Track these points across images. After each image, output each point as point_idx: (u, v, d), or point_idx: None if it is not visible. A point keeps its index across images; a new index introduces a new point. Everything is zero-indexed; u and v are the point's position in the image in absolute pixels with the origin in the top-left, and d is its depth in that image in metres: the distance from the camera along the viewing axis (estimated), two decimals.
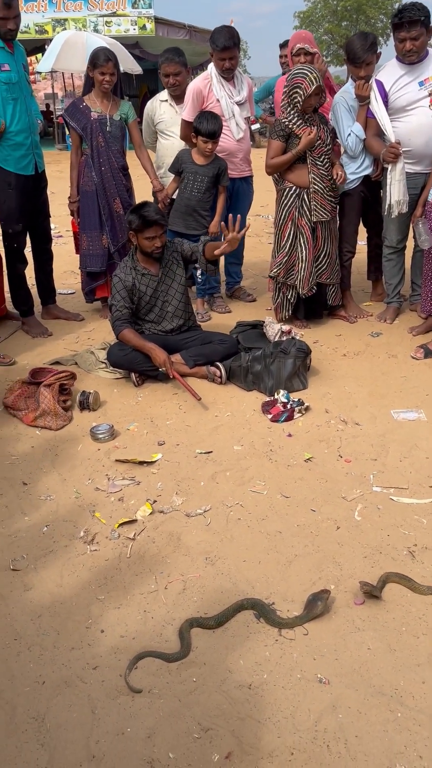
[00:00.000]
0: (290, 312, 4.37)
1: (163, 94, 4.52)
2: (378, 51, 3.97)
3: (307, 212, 4.08)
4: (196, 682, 1.85)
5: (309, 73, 3.80)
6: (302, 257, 4.14)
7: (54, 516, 2.60)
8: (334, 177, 4.04)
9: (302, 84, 3.81)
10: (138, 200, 4.56)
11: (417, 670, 1.85)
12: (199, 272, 4.01)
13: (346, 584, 2.18)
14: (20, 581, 2.25)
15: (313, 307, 4.44)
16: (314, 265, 4.18)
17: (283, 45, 4.73)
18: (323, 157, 4.01)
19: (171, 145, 4.48)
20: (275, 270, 4.23)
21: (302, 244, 4.13)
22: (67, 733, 1.71)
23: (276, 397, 3.39)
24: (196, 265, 3.76)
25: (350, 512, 2.55)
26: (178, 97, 4.45)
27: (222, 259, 4.94)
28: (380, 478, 2.77)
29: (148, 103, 4.63)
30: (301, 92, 3.82)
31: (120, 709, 1.78)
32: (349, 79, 4.11)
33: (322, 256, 4.19)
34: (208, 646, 1.97)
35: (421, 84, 3.78)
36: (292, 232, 4.13)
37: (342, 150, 4.18)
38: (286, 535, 2.44)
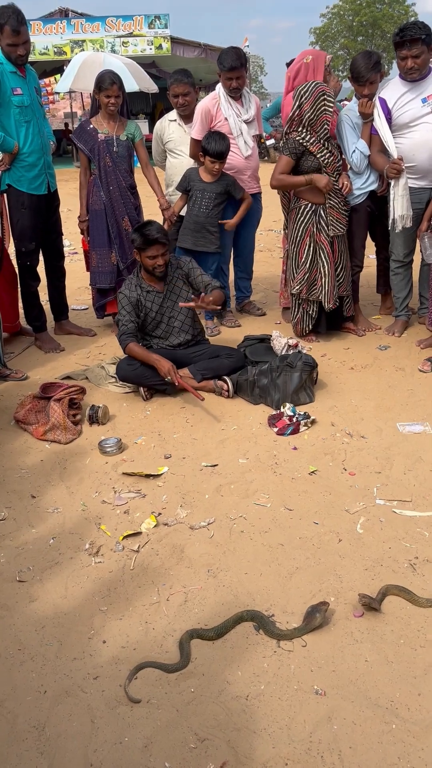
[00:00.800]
0: (311, 327, 4.40)
1: (172, 114, 4.61)
2: (382, 70, 4.03)
3: (325, 227, 4.13)
4: (194, 692, 1.87)
5: (320, 83, 3.92)
6: (324, 272, 4.18)
7: (61, 528, 2.64)
8: (341, 186, 4.08)
9: (326, 90, 3.90)
10: (147, 218, 4.67)
11: (413, 683, 1.85)
12: None
13: (346, 596, 2.20)
14: (26, 592, 2.30)
15: (333, 319, 4.47)
16: (335, 279, 4.23)
17: (290, 63, 4.80)
18: (335, 173, 4.07)
19: (180, 163, 4.57)
20: (297, 287, 4.25)
21: (323, 259, 4.17)
22: (66, 742, 1.75)
23: (282, 410, 3.42)
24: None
25: (353, 525, 2.57)
26: (186, 117, 4.53)
27: (231, 274, 5.03)
28: (384, 491, 2.78)
29: (158, 123, 4.73)
30: (329, 97, 3.89)
31: (119, 718, 1.81)
32: (354, 96, 4.17)
33: (340, 268, 4.25)
34: (207, 657, 1.99)
35: (424, 101, 3.82)
36: (311, 248, 4.18)
37: (348, 166, 4.23)
38: (288, 547, 2.46)
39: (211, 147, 4.15)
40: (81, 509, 2.76)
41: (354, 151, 4.09)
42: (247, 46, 18.63)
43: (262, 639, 2.04)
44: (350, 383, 3.82)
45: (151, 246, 3.54)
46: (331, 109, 3.90)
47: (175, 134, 4.55)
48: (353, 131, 4.12)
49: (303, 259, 4.20)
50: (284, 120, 4.32)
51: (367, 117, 4.03)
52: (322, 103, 3.89)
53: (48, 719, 1.82)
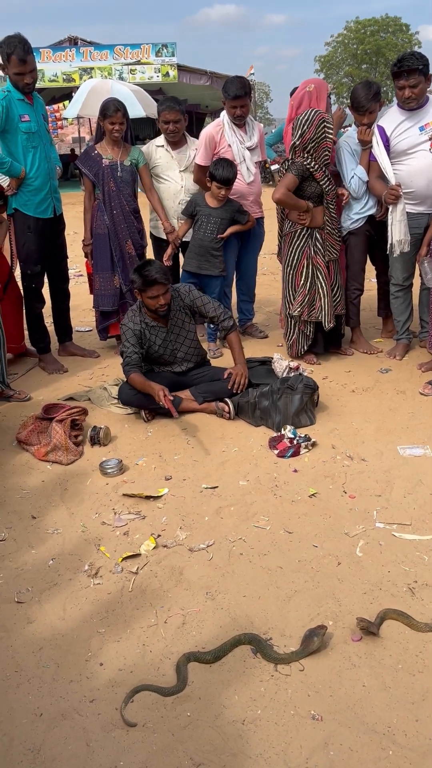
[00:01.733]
0: (306, 348, 4.44)
1: (160, 140, 4.66)
2: (381, 100, 4.13)
3: (321, 250, 4.21)
4: (191, 716, 1.86)
5: (320, 111, 4.02)
6: (322, 293, 4.25)
7: (60, 549, 2.65)
8: (339, 195, 4.20)
9: (326, 118, 3.99)
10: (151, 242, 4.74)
11: (411, 708, 1.84)
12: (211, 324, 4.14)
13: (345, 620, 2.19)
14: (24, 613, 2.30)
15: (331, 339, 4.52)
16: (332, 298, 4.30)
17: (293, 92, 4.89)
18: (333, 200, 4.18)
19: (166, 188, 4.62)
20: (298, 309, 4.29)
21: (321, 280, 4.25)
22: (61, 766, 1.74)
23: (283, 432, 3.43)
24: (211, 325, 3.85)
25: (352, 548, 2.56)
26: (174, 143, 4.60)
27: (234, 297, 5.08)
28: (383, 514, 2.78)
29: (144, 148, 4.73)
30: (329, 124, 3.98)
31: (114, 742, 1.80)
32: (353, 124, 4.26)
33: (336, 288, 4.33)
34: (204, 681, 1.98)
35: (421, 129, 3.90)
36: (309, 271, 4.25)
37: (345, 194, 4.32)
38: (287, 570, 2.45)
39: (219, 173, 4.23)
40: (81, 530, 2.77)
41: (353, 176, 4.18)
42: (253, 74, 18.97)
43: (260, 663, 2.03)
44: (351, 406, 3.83)
45: (152, 287, 3.51)
46: (331, 136, 3.98)
47: (162, 159, 4.61)
48: (352, 157, 4.22)
49: (301, 282, 4.27)
50: (287, 147, 4.40)
51: (366, 144, 4.12)
52: (323, 130, 3.98)
53: (43, 742, 1.81)
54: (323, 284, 4.24)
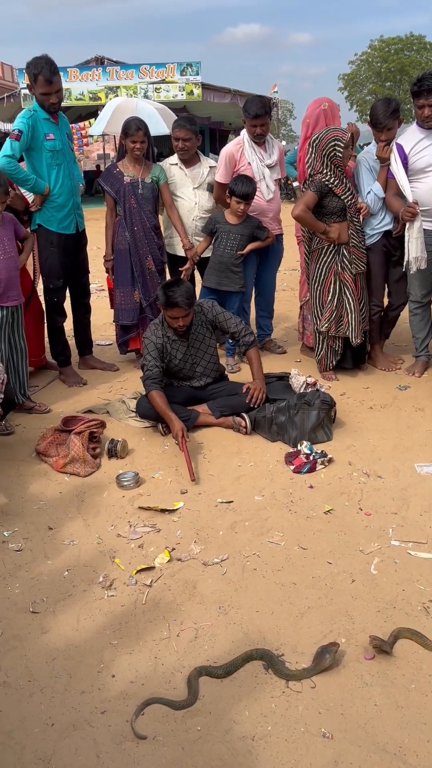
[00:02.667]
0: (334, 363, 4.46)
1: (173, 158, 4.72)
2: (400, 117, 4.15)
3: (348, 265, 4.23)
4: (201, 731, 1.86)
5: (338, 128, 4.08)
6: (350, 308, 4.27)
7: (76, 561, 2.67)
8: (359, 207, 4.20)
9: (338, 135, 4.02)
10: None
11: (423, 729, 1.82)
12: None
13: (358, 638, 2.18)
14: (38, 624, 2.32)
15: (358, 354, 4.54)
16: (360, 314, 4.32)
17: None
18: (357, 213, 4.21)
19: (180, 206, 4.66)
20: (326, 325, 4.31)
21: (348, 296, 4.26)
22: None
23: (299, 448, 3.43)
24: (230, 340, 3.88)
25: (366, 565, 2.55)
26: (186, 161, 4.65)
27: (252, 312, 5.10)
28: (399, 532, 2.76)
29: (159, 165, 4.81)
30: (341, 142, 4.00)
31: (124, 754, 1.80)
32: (372, 140, 4.28)
33: (362, 303, 4.35)
34: (215, 695, 1.98)
35: None
36: (336, 286, 4.27)
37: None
38: (300, 586, 2.45)
39: (238, 188, 4.29)
40: (96, 542, 2.79)
41: (369, 192, 4.19)
42: (276, 92, 19.15)
43: (271, 678, 2.03)
44: (369, 422, 3.82)
45: (173, 308, 3.55)
46: (341, 154, 4.01)
47: (175, 177, 4.66)
48: (369, 174, 4.24)
49: (329, 298, 4.29)
50: (301, 167, 4.45)
51: (384, 161, 4.14)
52: (332, 148, 4.02)
53: (54, 752, 1.82)
54: (350, 299, 4.26)
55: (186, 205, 4.64)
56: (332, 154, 4.04)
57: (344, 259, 4.22)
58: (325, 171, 4.08)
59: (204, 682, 2.03)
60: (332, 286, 4.27)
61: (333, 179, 4.08)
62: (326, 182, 4.08)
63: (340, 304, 4.28)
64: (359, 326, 4.29)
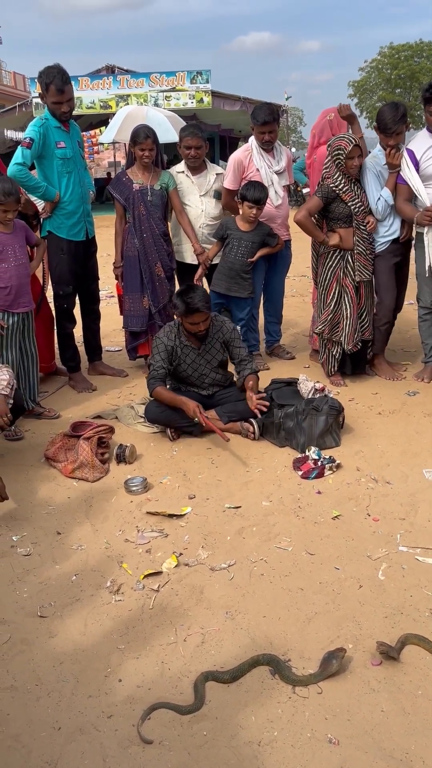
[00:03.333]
0: (335, 368, 4.49)
1: (180, 166, 4.73)
2: (408, 121, 4.14)
3: (351, 272, 4.25)
4: (207, 736, 1.86)
5: (346, 136, 4.10)
6: (347, 314, 4.31)
7: (83, 565, 2.68)
8: (368, 224, 4.20)
9: (342, 145, 4.07)
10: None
11: (430, 735, 1.81)
12: None
13: (365, 644, 2.17)
14: (46, 628, 2.33)
15: (357, 362, 4.54)
16: (358, 322, 4.31)
17: (325, 113, 4.96)
18: (363, 221, 4.20)
19: (188, 213, 4.67)
20: (320, 327, 4.40)
21: (347, 303, 4.30)
22: None
23: (307, 453, 3.43)
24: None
25: (374, 571, 2.54)
26: (195, 169, 4.67)
27: (261, 318, 5.12)
28: (407, 538, 2.75)
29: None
30: (342, 152, 4.06)
31: (130, 759, 1.81)
32: (377, 145, 4.27)
33: (364, 313, 4.34)
34: (221, 700, 1.98)
35: None
36: (337, 292, 4.31)
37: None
38: (307, 592, 2.45)
39: (250, 193, 4.31)
40: (104, 547, 2.80)
41: (378, 199, 4.17)
42: (287, 98, 19.22)
43: (278, 684, 2.03)
44: (377, 428, 3.81)
45: (193, 314, 3.57)
46: (342, 162, 4.08)
47: (182, 185, 4.68)
48: (377, 180, 4.20)
49: (329, 302, 4.34)
50: (313, 175, 4.48)
51: (394, 167, 4.13)
52: (336, 156, 4.11)
53: (61, 756, 1.83)
54: (348, 306, 4.29)
55: (193, 212, 4.67)
56: (337, 161, 4.08)
57: (348, 266, 4.26)
58: (336, 176, 4.12)
59: (210, 687, 2.03)
60: (334, 292, 4.32)
61: (342, 185, 4.11)
62: (334, 188, 4.12)
63: (338, 310, 4.33)
64: (354, 334, 4.31)
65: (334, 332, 4.36)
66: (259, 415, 3.65)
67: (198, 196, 4.66)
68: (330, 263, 4.31)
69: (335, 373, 4.50)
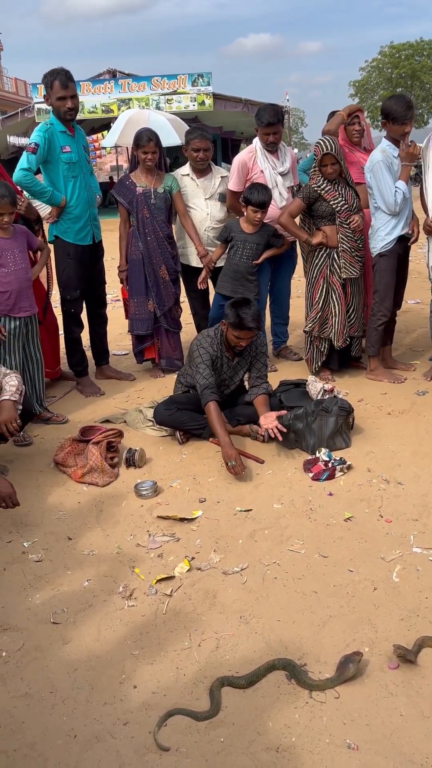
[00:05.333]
0: (320, 364, 4.53)
1: (185, 169, 4.74)
2: (414, 111, 4.13)
3: (338, 269, 4.29)
4: (224, 742, 1.85)
5: (322, 142, 4.16)
6: (335, 311, 4.35)
7: (95, 571, 2.67)
8: (350, 222, 4.23)
9: (315, 151, 4.22)
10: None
11: None
12: None
13: (381, 647, 2.15)
14: (59, 634, 2.32)
15: (344, 358, 4.60)
16: (346, 319, 4.37)
17: (332, 114, 4.95)
18: (346, 219, 4.24)
19: (192, 216, 4.67)
20: (310, 325, 4.44)
21: (335, 300, 4.35)
22: None
23: (317, 455, 3.41)
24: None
25: (388, 573, 2.52)
26: (201, 171, 4.66)
27: (268, 320, 5.10)
28: (421, 539, 2.73)
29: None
30: (315, 157, 4.20)
31: (147, 766, 1.79)
32: (383, 139, 4.24)
33: (351, 310, 4.39)
34: (237, 706, 1.97)
35: None
36: (324, 289, 4.36)
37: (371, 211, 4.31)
38: (321, 595, 2.43)
39: (254, 197, 4.29)
40: (116, 552, 2.79)
41: (396, 191, 4.10)
42: (288, 99, 19.22)
43: (294, 689, 2.01)
44: (387, 429, 3.79)
45: (243, 330, 3.54)
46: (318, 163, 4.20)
47: (187, 188, 4.67)
48: (389, 173, 4.12)
49: (316, 299, 4.40)
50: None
51: (412, 159, 4.11)
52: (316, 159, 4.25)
53: (77, 764, 1.81)
54: (336, 303, 4.34)
55: (198, 215, 4.66)
56: (318, 162, 4.20)
57: (334, 264, 4.31)
58: (318, 177, 4.22)
59: (226, 693, 2.01)
60: (321, 289, 4.36)
61: (324, 185, 4.20)
62: (316, 188, 4.21)
63: (326, 307, 4.37)
64: (343, 330, 4.36)
65: (323, 329, 4.41)
66: (280, 437, 3.50)
67: (203, 199, 4.66)
68: (317, 261, 4.37)
69: (322, 369, 4.51)
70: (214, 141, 4.81)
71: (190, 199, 4.67)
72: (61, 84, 4.08)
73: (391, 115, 4.10)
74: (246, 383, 3.94)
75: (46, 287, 4.61)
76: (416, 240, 4.25)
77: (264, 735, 1.86)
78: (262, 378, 3.78)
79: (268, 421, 3.55)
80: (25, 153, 4.09)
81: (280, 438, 3.49)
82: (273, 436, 3.49)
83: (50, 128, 4.14)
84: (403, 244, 4.29)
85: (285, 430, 3.49)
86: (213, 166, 4.76)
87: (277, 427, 3.47)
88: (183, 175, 4.69)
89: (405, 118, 4.07)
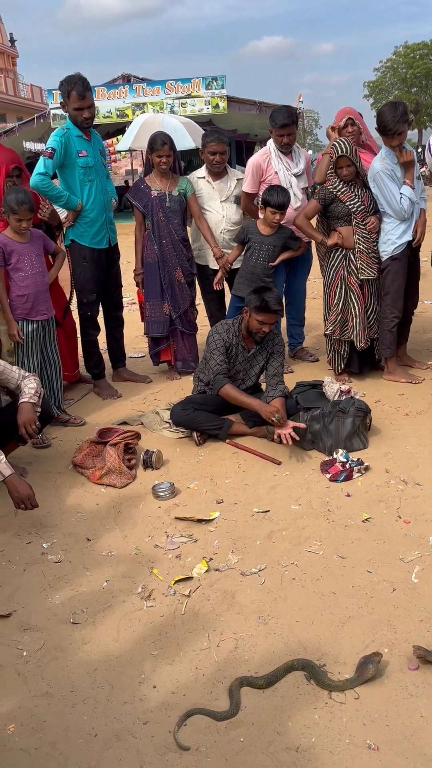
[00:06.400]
0: (342, 366, 4.49)
1: (201, 171, 4.75)
2: (409, 119, 4.08)
3: (355, 271, 4.27)
4: (244, 742, 1.85)
5: (337, 144, 4.14)
6: (355, 313, 4.32)
7: (114, 571, 2.69)
8: (367, 223, 4.21)
9: (330, 153, 4.19)
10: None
11: None
12: None
13: (401, 648, 2.14)
14: (79, 634, 2.33)
15: (365, 360, 4.55)
16: (366, 320, 4.34)
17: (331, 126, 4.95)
18: (363, 220, 4.23)
19: (208, 219, 4.68)
20: (330, 328, 4.41)
21: (354, 301, 4.32)
22: None
23: (335, 456, 3.40)
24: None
25: (407, 574, 2.51)
26: (217, 174, 4.68)
27: (284, 321, 5.10)
28: None
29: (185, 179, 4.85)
30: (330, 159, 4.17)
31: (167, 765, 1.80)
32: (383, 147, 4.22)
33: (370, 311, 4.36)
34: (257, 706, 1.97)
35: None
36: (342, 291, 4.33)
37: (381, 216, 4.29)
38: (340, 596, 2.42)
39: (273, 199, 4.30)
40: (134, 553, 2.80)
41: (402, 198, 4.11)
42: (302, 102, 19.20)
43: (313, 689, 2.01)
44: (405, 429, 3.77)
45: (266, 313, 3.58)
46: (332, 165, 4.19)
47: (203, 191, 4.69)
48: (392, 181, 4.12)
49: (335, 301, 4.38)
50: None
51: (409, 166, 4.09)
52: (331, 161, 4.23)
53: (98, 763, 1.83)
54: (356, 304, 4.31)
55: (214, 218, 4.68)
56: (333, 164, 4.18)
57: (351, 264, 4.28)
58: (334, 179, 4.22)
59: (245, 693, 2.01)
60: (339, 290, 4.34)
61: (340, 186, 4.19)
62: (332, 189, 4.21)
63: (346, 308, 4.34)
64: (364, 331, 4.32)
65: (343, 332, 4.37)
66: (290, 443, 3.49)
67: (219, 202, 4.67)
68: (333, 263, 4.35)
69: (342, 372, 4.49)
70: (238, 142, 4.82)
71: (206, 202, 4.69)
72: (78, 95, 4.12)
73: (380, 126, 4.10)
74: (263, 385, 3.94)
75: (67, 292, 4.65)
76: (419, 242, 4.22)
77: (284, 735, 1.86)
78: (278, 377, 3.76)
79: (283, 426, 3.51)
80: (42, 158, 4.13)
81: (290, 443, 3.47)
82: (285, 442, 3.46)
83: (67, 133, 4.19)
84: (411, 246, 4.27)
85: (298, 438, 3.47)
86: (229, 168, 4.77)
87: (290, 434, 3.45)
88: (199, 178, 4.71)
89: (391, 132, 4.04)
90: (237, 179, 4.72)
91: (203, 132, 5.62)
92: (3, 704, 2.05)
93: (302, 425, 3.52)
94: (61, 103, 4.28)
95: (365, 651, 2.12)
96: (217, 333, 3.74)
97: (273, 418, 3.44)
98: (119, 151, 19.80)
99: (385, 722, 1.87)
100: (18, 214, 3.67)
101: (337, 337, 4.39)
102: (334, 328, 4.37)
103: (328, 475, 3.29)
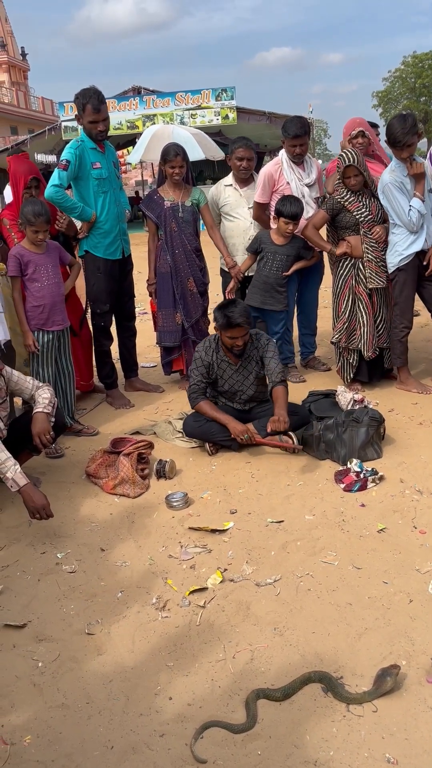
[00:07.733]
0: (352, 375, 4.47)
1: (228, 179, 4.79)
2: (419, 130, 4.07)
3: (363, 280, 4.26)
4: (261, 755, 1.83)
5: (345, 155, 4.15)
6: (363, 322, 4.30)
7: (128, 582, 2.68)
8: (373, 234, 4.21)
9: (339, 164, 4.19)
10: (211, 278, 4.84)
11: None
12: None
13: (419, 660, 2.12)
14: (94, 645, 2.33)
15: (374, 369, 4.52)
16: (375, 329, 4.33)
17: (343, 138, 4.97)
18: (370, 230, 4.23)
19: (236, 226, 4.72)
20: (337, 336, 4.41)
21: (362, 310, 4.30)
22: None
23: (349, 466, 3.39)
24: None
25: (424, 585, 2.49)
26: (244, 181, 4.71)
27: (296, 330, 5.10)
28: None
29: (213, 188, 4.88)
30: (338, 169, 4.17)
31: None
32: (393, 159, 4.21)
33: (379, 320, 4.34)
34: (274, 719, 1.95)
35: None
36: (350, 299, 4.33)
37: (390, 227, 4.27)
38: (356, 607, 2.40)
39: (286, 209, 4.32)
40: (148, 563, 2.80)
41: (410, 210, 4.09)
42: (311, 111, 19.28)
43: (331, 702, 1.99)
44: (419, 439, 3.75)
45: (233, 329, 3.55)
46: (341, 176, 4.19)
47: (231, 198, 4.72)
48: (402, 193, 4.10)
49: (343, 310, 4.36)
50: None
51: (420, 178, 4.07)
52: (339, 171, 4.23)
53: None
54: (364, 313, 4.29)
55: (241, 225, 4.70)
56: (341, 174, 4.19)
57: (359, 273, 4.27)
58: (342, 189, 4.21)
59: (262, 706, 2.00)
60: (347, 299, 4.33)
61: (348, 197, 4.19)
62: (340, 200, 4.21)
63: (354, 317, 4.33)
64: (372, 341, 4.30)
65: (351, 340, 4.36)
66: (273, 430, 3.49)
67: (246, 209, 4.70)
68: (342, 272, 4.34)
69: (353, 381, 4.47)
70: (255, 151, 4.84)
71: (234, 209, 4.71)
72: (93, 108, 4.16)
73: (390, 139, 4.09)
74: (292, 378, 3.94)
75: (84, 302, 4.67)
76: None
77: (301, 748, 1.84)
78: (273, 372, 3.71)
79: (276, 422, 3.45)
80: (56, 169, 4.17)
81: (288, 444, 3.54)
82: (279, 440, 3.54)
83: (81, 145, 4.22)
84: (420, 257, 4.24)
85: (292, 441, 3.56)
86: (255, 175, 4.79)
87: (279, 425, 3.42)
88: (226, 186, 4.75)
89: (400, 144, 4.02)
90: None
91: (213, 143, 5.66)
92: (19, 715, 2.04)
93: (290, 443, 3.59)
94: (76, 115, 4.32)
95: (383, 663, 2.10)
96: (197, 351, 3.78)
97: (242, 438, 3.47)
98: (129, 163, 19.96)
99: (404, 735, 1.85)
100: (35, 225, 3.70)
101: (344, 346, 4.39)
102: (340, 336, 4.37)
103: (343, 485, 3.28)
